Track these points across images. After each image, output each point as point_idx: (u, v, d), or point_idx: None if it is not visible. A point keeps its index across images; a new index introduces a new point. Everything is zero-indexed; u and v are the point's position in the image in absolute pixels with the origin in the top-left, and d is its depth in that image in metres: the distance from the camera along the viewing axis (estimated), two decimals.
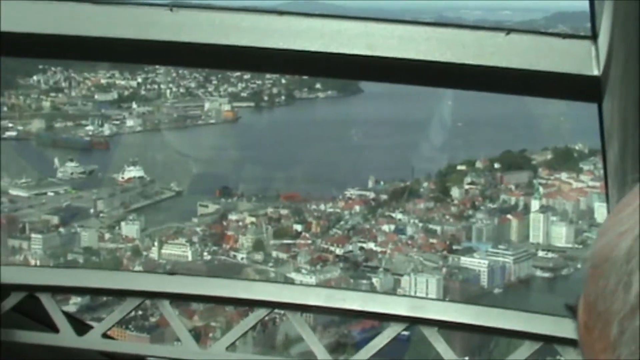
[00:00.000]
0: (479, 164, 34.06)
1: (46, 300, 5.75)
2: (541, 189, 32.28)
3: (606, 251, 1.24)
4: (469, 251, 30.52)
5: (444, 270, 29.79)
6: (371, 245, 30.94)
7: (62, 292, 6.26)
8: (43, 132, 37.12)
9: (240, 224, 32.36)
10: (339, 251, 30.75)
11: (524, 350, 5.18)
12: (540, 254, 31.16)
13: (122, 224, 32.53)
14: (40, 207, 32.99)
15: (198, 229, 32.18)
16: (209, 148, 38.44)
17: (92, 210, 33.23)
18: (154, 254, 30.94)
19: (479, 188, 33.10)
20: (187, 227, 32.53)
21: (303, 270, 29.62)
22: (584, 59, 3.20)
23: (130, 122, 37.44)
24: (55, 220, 32.54)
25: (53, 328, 5.73)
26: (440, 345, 5.26)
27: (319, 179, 35.08)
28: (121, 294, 5.85)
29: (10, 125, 36.55)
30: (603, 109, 3.32)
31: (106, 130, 36.94)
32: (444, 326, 5.38)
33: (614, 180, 3.53)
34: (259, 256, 30.74)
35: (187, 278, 6.17)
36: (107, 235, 32.03)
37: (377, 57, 3.46)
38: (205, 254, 31.13)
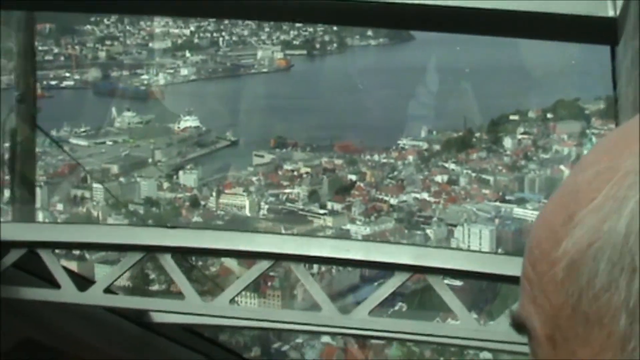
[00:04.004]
0: (531, 114, 33.98)
1: (47, 256, 5.81)
2: (594, 139, 32.12)
3: (589, 240, 1.06)
4: (521, 202, 30.64)
5: (497, 221, 29.99)
6: (424, 196, 31.25)
7: (62, 247, 6.24)
8: (99, 82, 37.66)
9: (296, 173, 32.78)
10: (393, 201, 31.07)
11: None
12: None
13: (180, 173, 33.08)
14: (100, 156, 33.61)
15: (254, 179, 32.60)
16: (263, 97, 38.69)
17: (150, 160, 33.84)
18: (212, 203, 31.47)
19: (531, 138, 33.10)
20: (243, 176, 32.97)
21: (358, 222, 29.97)
22: (599, 1, 3.24)
23: (184, 71, 37.81)
24: (115, 169, 33.19)
25: (54, 284, 5.78)
26: (446, 293, 5.23)
27: (371, 128, 35.20)
28: (122, 249, 5.88)
29: (67, 74, 37.11)
30: (617, 53, 3.35)
31: (161, 79, 37.34)
32: (449, 274, 5.35)
33: None
34: (314, 207, 31.15)
35: (188, 231, 6.17)
36: (165, 185, 32.58)
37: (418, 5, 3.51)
38: (262, 204, 31.59)
